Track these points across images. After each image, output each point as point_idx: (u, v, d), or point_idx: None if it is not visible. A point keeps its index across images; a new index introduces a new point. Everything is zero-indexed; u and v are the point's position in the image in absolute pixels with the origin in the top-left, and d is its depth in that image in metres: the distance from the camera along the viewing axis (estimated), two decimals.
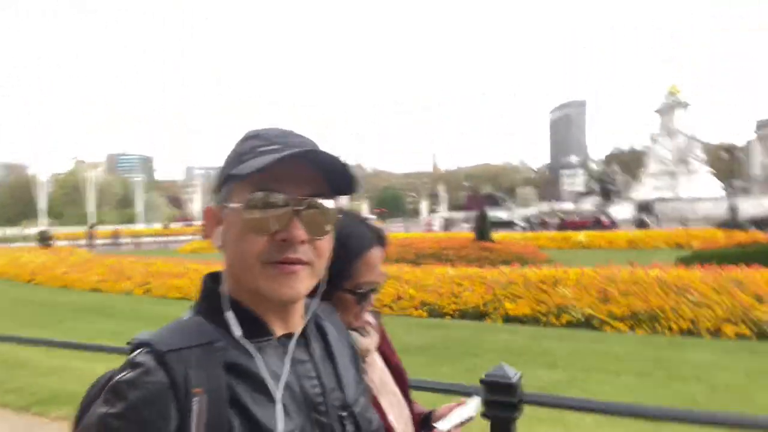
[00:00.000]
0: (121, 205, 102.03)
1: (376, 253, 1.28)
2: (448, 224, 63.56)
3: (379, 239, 1.31)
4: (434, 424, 1.35)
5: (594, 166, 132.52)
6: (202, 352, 0.75)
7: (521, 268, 11.73)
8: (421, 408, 1.50)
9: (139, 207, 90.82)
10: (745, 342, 8.05)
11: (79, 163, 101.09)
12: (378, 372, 1.34)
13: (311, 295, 0.90)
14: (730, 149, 65.72)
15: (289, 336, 0.86)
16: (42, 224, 70.96)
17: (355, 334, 1.26)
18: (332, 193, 0.85)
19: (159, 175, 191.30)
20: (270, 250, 0.79)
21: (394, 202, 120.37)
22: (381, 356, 1.40)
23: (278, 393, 0.77)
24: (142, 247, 41.04)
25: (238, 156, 0.82)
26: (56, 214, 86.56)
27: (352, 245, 1.24)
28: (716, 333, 8.39)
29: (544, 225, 49.33)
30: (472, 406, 1.40)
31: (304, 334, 0.89)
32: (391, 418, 1.27)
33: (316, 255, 0.83)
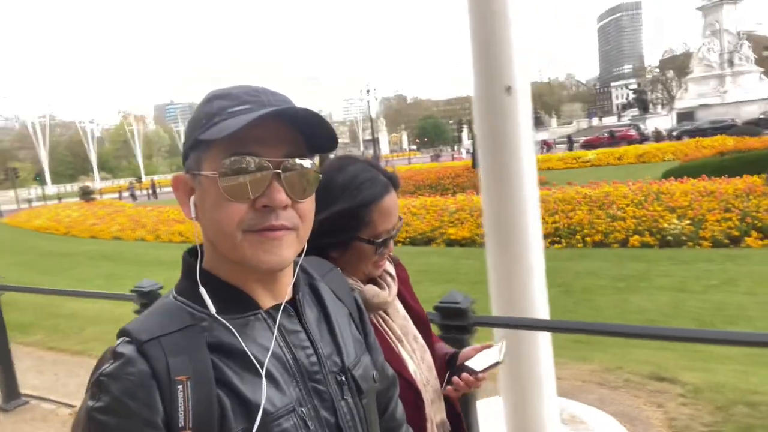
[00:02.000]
0: (170, 155, 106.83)
1: (390, 199, 1.24)
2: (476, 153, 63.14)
3: (393, 184, 1.27)
4: (466, 363, 1.35)
5: (649, 75, 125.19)
6: (183, 336, 0.73)
7: (474, 195, 12.60)
8: (447, 348, 1.48)
9: None
10: (645, 250, 8.77)
11: (126, 116, 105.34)
12: (400, 320, 1.31)
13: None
14: None
15: (278, 307, 0.82)
16: (96, 179, 75.65)
17: (372, 288, 1.25)
18: (312, 152, 0.81)
19: None
20: (251, 217, 0.74)
21: (434, 131, 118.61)
22: (402, 303, 1.37)
23: (264, 368, 0.75)
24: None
25: (207, 118, 0.76)
26: (109, 169, 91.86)
27: (365, 194, 1.20)
28: (625, 243, 9.13)
29: (569, 144, 48.26)
30: (498, 350, 1.37)
31: (295, 302, 0.85)
32: (412, 367, 1.26)
33: (300, 219, 0.78)
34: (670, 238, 8.90)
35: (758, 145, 18.43)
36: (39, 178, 68.51)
